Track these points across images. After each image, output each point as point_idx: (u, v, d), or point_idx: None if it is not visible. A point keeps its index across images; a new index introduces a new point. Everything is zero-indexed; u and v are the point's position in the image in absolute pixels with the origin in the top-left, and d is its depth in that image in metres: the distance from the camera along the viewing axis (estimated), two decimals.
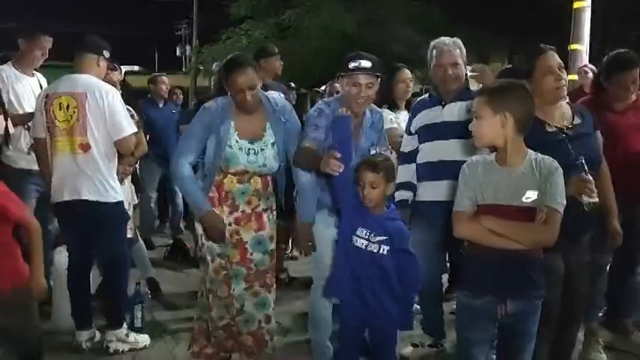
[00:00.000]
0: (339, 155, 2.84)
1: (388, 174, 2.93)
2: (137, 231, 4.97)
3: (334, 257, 3.14)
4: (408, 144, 3.81)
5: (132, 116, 4.02)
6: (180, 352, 3.88)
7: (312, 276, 3.54)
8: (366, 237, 2.89)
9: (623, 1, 11.46)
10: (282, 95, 5.10)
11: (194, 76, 22.14)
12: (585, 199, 2.68)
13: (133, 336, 3.94)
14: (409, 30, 13.51)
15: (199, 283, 3.55)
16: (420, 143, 3.72)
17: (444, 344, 3.86)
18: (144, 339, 3.98)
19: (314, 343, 3.56)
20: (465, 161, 2.65)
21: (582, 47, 7.64)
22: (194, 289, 4.35)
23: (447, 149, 3.54)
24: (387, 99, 4.40)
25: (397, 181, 3.72)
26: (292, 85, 7.37)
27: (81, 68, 3.85)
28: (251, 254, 3.34)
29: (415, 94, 5.14)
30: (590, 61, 7.21)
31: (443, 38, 3.70)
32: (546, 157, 2.53)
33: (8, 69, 4.30)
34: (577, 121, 2.97)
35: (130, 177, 4.58)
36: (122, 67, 5.03)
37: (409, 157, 3.77)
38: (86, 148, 3.72)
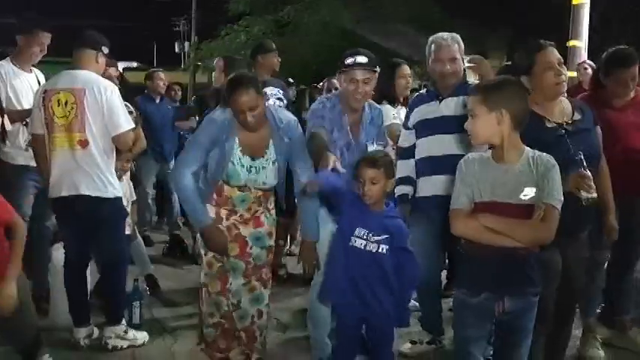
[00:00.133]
0: (337, 160, 2.92)
1: (388, 170, 2.93)
2: (135, 227, 4.97)
3: (328, 260, 3.10)
4: (406, 139, 3.81)
5: (130, 112, 4.01)
6: (179, 349, 3.88)
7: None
8: (365, 237, 2.87)
9: (624, 0, 11.45)
10: (280, 92, 5.18)
11: (193, 72, 22.11)
12: (584, 194, 2.68)
13: (131, 333, 3.93)
14: (408, 27, 13.50)
15: (199, 280, 3.54)
16: (417, 138, 3.72)
17: (443, 341, 3.86)
18: (142, 336, 3.97)
19: (313, 339, 3.57)
20: (462, 155, 2.65)
21: (581, 44, 7.63)
22: (193, 285, 4.35)
23: (444, 144, 3.54)
24: (387, 95, 4.40)
25: (397, 177, 3.75)
26: (291, 81, 7.37)
27: (79, 64, 3.84)
28: (250, 248, 3.34)
29: (414, 90, 5.14)
30: (589, 58, 7.21)
31: (441, 33, 3.70)
32: (543, 153, 2.52)
33: (6, 65, 4.28)
34: (577, 116, 2.97)
35: (128, 173, 4.59)
36: (121, 63, 5.03)
37: (408, 153, 3.77)
38: (85, 144, 3.71)
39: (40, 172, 3.98)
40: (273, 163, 3.29)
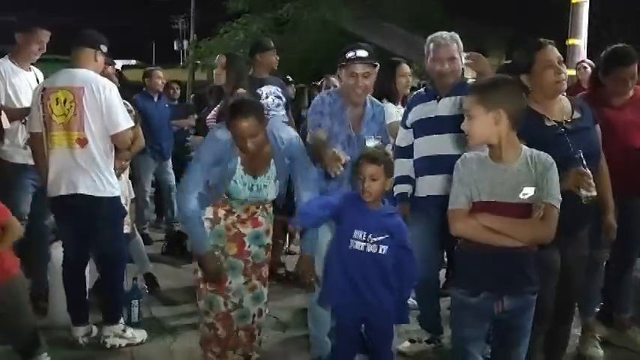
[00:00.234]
0: (346, 158, 2.94)
1: (388, 168, 2.93)
2: (134, 226, 4.96)
3: (327, 264, 3.08)
4: (403, 138, 3.81)
5: (129, 111, 4.00)
6: (177, 348, 3.88)
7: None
8: (364, 239, 2.87)
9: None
10: (279, 90, 5.17)
11: (192, 70, 22.12)
12: (583, 192, 2.68)
13: (130, 331, 3.93)
14: (407, 25, 13.48)
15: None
16: (415, 138, 3.72)
17: (442, 340, 3.86)
18: (141, 334, 3.97)
19: (312, 338, 3.56)
20: (460, 155, 2.63)
21: (580, 42, 7.63)
22: (192, 284, 4.33)
23: (443, 143, 3.54)
24: (388, 94, 4.39)
25: (395, 175, 3.75)
26: (290, 79, 7.36)
27: (78, 63, 3.83)
28: (248, 246, 3.33)
29: (413, 89, 5.13)
30: (588, 57, 7.20)
31: (440, 32, 3.70)
32: (541, 152, 2.52)
33: (5, 63, 4.27)
34: (576, 115, 2.96)
35: (127, 172, 4.58)
36: (120, 61, 5.04)
37: (405, 152, 3.77)
38: (83, 142, 3.71)
39: (39, 170, 3.97)
40: (275, 180, 3.28)
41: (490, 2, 12.86)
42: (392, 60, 4.73)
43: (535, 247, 2.54)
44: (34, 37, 4.29)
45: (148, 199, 7.07)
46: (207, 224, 3.23)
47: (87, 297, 4.01)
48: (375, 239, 2.86)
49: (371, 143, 3.41)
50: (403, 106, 4.27)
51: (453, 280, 2.64)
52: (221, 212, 3.27)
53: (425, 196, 3.64)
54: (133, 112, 4.17)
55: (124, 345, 3.87)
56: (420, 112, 3.69)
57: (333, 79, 5.68)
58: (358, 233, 2.88)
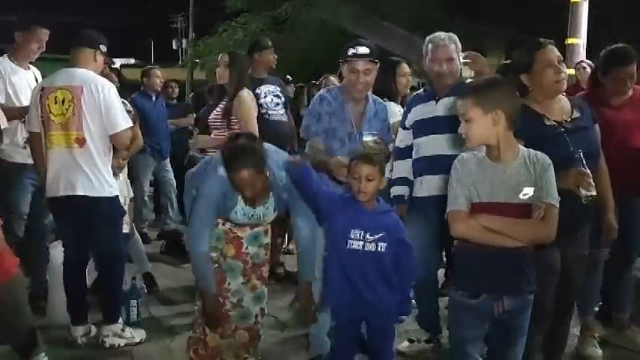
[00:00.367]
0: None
1: (383, 167, 2.93)
2: (133, 225, 4.95)
3: (326, 267, 3.07)
4: (403, 139, 3.81)
5: (129, 111, 4.00)
6: (176, 347, 3.87)
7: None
8: (361, 238, 2.86)
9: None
10: (278, 89, 5.17)
11: (190, 69, 22.08)
12: (583, 192, 2.68)
13: (129, 331, 3.93)
14: (407, 25, 13.45)
15: None
16: (414, 138, 3.72)
17: (440, 340, 3.86)
18: (140, 334, 3.97)
19: (312, 336, 3.57)
20: (459, 155, 2.62)
21: (580, 41, 7.63)
22: (190, 283, 4.34)
23: (441, 143, 3.54)
24: (389, 93, 4.39)
25: (393, 177, 3.75)
26: (289, 78, 7.36)
27: (77, 62, 3.83)
28: (246, 248, 3.33)
29: (412, 89, 5.13)
30: (587, 56, 7.20)
31: (438, 33, 3.70)
32: (538, 152, 2.51)
33: (4, 62, 4.26)
34: (576, 114, 2.97)
35: (125, 171, 4.57)
36: (118, 59, 5.04)
37: (405, 152, 3.77)
38: (82, 142, 3.70)
39: (38, 170, 3.97)
40: (274, 210, 3.28)
41: (490, 2, 12.84)
42: (392, 60, 4.73)
43: (532, 247, 2.54)
44: (34, 36, 4.28)
45: (146, 198, 7.06)
46: None
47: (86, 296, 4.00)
48: (372, 237, 2.86)
49: (368, 138, 3.44)
50: (402, 106, 4.27)
51: (451, 281, 2.62)
52: (220, 220, 3.27)
53: (424, 196, 3.64)
54: (132, 112, 4.17)
55: (122, 344, 3.87)
56: (419, 112, 3.69)
57: (333, 78, 5.68)
58: (355, 233, 2.87)
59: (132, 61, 23.41)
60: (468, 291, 2.55)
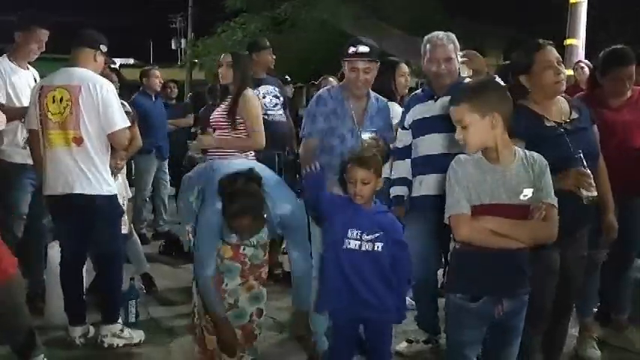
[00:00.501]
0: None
1: (378, 169, 2.92)
2: (132, 226, 4.95)
3: (323, 269, 3.06)
4: (401, 139, 3.81)
5: (127, 112, 3.99)
6: (175, 348, 3.87)
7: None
8: (358, 237, 2.86)
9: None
10: (276, 89, 5.17)
11: (189, 69, 22.08)
12: (584, 192, 2.68)
13: (127, 331, 3.92)
14: (407, 25, 13.44)
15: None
16: (413, 138, 3.73)
17: (439, 340, 3.85)
18: (138, 334, 3.96)
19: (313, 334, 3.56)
20: (458, 154, 2.61)
21: (578, 42, 7.63)
22: (189, 284, 4.32)
23: (440, 143, 3.54)
24: (388, 94, 4.39)
25: (393, 177, 3.75)
26: (288, 79, 7.36)
27: (77, 62, 3.84)
28: (243, 249, 3.32)
29: (411, 89, 5.13)
30: (586, 57, 7.20)
31: (437, 33, 3.70)
32: (534, 152, 2.51)
33: (4, 62, 4.26)
34: (574, 115, 2.97)
35: (124, 171, 4.57)
36: (117, 59, 5.03)
37: (404, 153, 3.77)
38: (80, 141, 3.70)
39: (37, 168, 3.96)
40: (268, 236, 3.31)
41: (490, 2, 12.84)
42: (391, 60, 4.74)
43: (528, 247, 2.53)
44: (33, 36, 4.28)
45: (147, 199, 7.06)
46: None
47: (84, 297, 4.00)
48: (369, 237, 2.86)
49: (366, 136, 3.46)
50: (401, 106, 4.27)
51: (448, 284, 2.60)
52: None
53: (423, 195, 3.64)
54: (131, 113, 4.16)
55: (121, 345, 3.86)
56: (417, 112, 3.70)
57: (332, 79, 5.68)
58: (352, 232, 2.88)
59: (131, 61, 23.35)
60: (469, 294, 2.53)
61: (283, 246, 5.94)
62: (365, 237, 2.87)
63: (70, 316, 3.88)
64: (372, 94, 3.75)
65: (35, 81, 4.31)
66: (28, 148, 4.08)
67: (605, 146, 3.22)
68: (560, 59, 2.97)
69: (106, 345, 3.83)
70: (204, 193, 3.20)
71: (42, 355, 3.27)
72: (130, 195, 4.76)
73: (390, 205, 3.58)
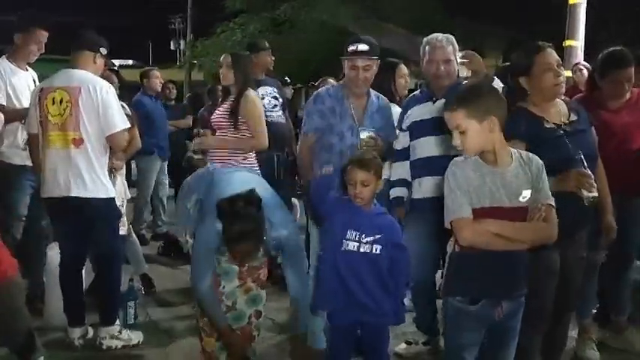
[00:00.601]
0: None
1: (378, 171, 2.92)
2: (131, 227, 4.94)
3: (320, 269, 3.05)
4: (400, 141, 3.81)
5: (127, 115, 3.99)
6: (173, 349, 3.87)
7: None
8: (357, 239, 2.86)
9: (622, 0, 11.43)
10: (276, 90, 5.16)
11: (188, 70, 22.08)
12: (585, 193, 2.68)
13: (126, 333, 3.92)
14: (407, 26, 13.44)
15: None
16: (411, 140, 3.73)
17: (438, 342, 3.85)
18: (137, 336, 3.96)
19: (309, 332, 3.55)
20: (457, 156, 2.60)
21: (577, 43, 7.62)
22: (188, 285, 4.33)
23: (439, 145, 3.54)
24: (387, 94, 4.39)
25: (392, 179, 3.75)
26: (287, 80, 7.36)
27: (77, 65, 3.84)
28: None
29: (409, 90, 5.13)
30: (585, 58, 7.20)
31: (436, 34, 3.71)
32: (529, 153, 2.52)
33: (3, 63, 4.26)
34: (573, 117, 2.97)
35: (123, 172, 4.56)
36: (116, 60, 5.03)
37: (403, 154, 3.77)
38: (79, 143, 3.70)
39: (36, 171, 3.96)
40: (262, 256, 3.32)
41: (490, 3, 12.85)
42: (391, 61, 4.73)
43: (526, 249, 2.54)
44: (33, 37, 4.28)
45: (148, 199, 7.05)
46: None
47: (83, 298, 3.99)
48: (367, 239, 2.86)
49: (364, 135, 3.47)
50: (400, 107, 4.27)
51: (446, 287, 2.59)
52: None
53: (422, 197, 3.64)
54: (131, 115, 4.16)
55: (119, 346, 3.86)
56: (416, 113, 3.70)
57: (331, 80, 5.68)
58: (351, 233, 2.88)
59: (130, 62, 23.39)
60: (468, 296, 2.52)
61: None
62: (364, 238, 2.86)
63: (69, 318, 3.88)
64: (373, 92, 3.77)
65: (34, 82, 4.31)
66: (27, 149, 4.08)
67: (603, 148, 3.22)
68: (560, 62, 2.97)
69: (104, 347, 3.83)
70: (203, 205, 3.20)
71: (41, 357, 3.27)
72: (129, 196, 4.75)
73: (390, 206, 3.58)
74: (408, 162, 3.74)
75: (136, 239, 5.03)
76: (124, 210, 4.35)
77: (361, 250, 2.87)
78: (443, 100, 3.57)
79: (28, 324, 3.27)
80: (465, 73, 3.61)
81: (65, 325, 3.89)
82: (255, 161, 4.17)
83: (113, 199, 3.90)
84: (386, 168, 3.50)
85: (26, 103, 4.10)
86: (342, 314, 2.95)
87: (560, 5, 8.30)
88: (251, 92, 4.19)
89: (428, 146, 3.61)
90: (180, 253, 6.05)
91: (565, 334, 3.26)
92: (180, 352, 3.81)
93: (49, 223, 4.20)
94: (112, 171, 4.05)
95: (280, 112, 5.16)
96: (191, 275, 3.20)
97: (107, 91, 3.75)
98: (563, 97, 3.08)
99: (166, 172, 7.14)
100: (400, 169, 3.75)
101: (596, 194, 2.69)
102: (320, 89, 3.89)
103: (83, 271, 3.98)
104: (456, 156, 2.57)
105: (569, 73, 6.28)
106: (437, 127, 3.55)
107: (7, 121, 4.09)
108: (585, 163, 2.71)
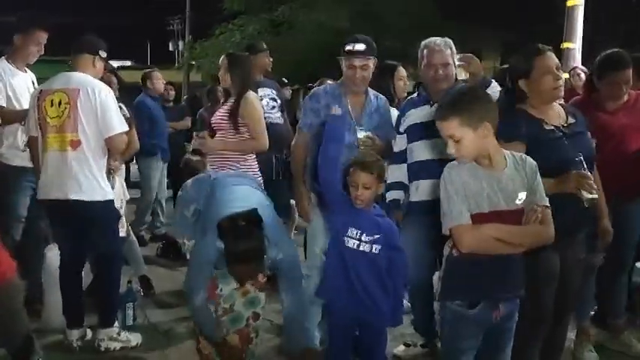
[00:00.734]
0: None
1: (381, 175, 2.93)
2: (129, 228, 4.94)
3: (327, 258, 3.10)
4: (397, 143, 3.82)
5: (125, 116, 3.99)
6: (172, 351, 3.87)
7: (306, 265, 3.59)
8: (357, 237, 2.88)
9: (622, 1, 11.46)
10: (274, 92, 5.17)
11: (187, 71, 22.09)
12: (585, 194, 2.68)
13: (124, 334, 3.92)
14: (403, 25, 13.45)
15: None
16: (409, 142, 3.73)
17: (436, 344, 3.85)
18: (136, 337, 3.96)
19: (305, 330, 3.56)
20: (454, 159, 2.59)
21: (575, 45, 7.64)
22: None
23: (436, 148, 3.54)
24: (385, 96, 4.39)
25: (389, 181, 3.76)
26: (285, 81, 7.36)
27: (77, 68, 3.85)
28: None
29: (408, 93, 5.14)
30: (583, 60, 7.22)
31: (434, 38, 3.71)
32: (522, 155, 2.53)
33: (2, 63, 4.25)
34: (571, 120, 2.98)
35: (123, 173, 4.56)
36: (115, 62, 5.03)
37: (400, 157, 3.78)
38: (77, 144, 3.70)
39: (36, 173, 3.96)
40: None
41: (489, 5, 12.87)
42: (389, 64, 4.73)
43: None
44: (32, 38, 4.28)
45: (152, 201, 7.04)
46: None
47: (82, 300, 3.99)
48: (367, 238, 2.88)
49: (361, 134, 3.48)
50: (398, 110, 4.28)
51: (443, 291, 2.58)
52: None
53: (419, 200, 3.64)
54: (128, 116, 4.16)
55: (118, 348, 3.86)
56: (413, 116, 3.70)
57: (329, 81, 5.68)
58: (352, 231, 2.90)
59: (128, 63, 23.38)
60: (467, 299, 2.52)
61: None
62: (364, 238, 2.89)
63: (68, 319, 3.88)
64: (372, 91, 3.80)
65: (33, 84, 4.31)
66: (27, 150, 4.08)
67: (601, 150, 3.23)
68: (559, 65, 2.98)
69: (103, 348, 3.83)
70: (202, 217, 3.20)
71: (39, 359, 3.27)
72: (128, 197, 4.74)
73: (387, 208, 3.58)
74: (405, 165, 3.74)
75: (135, 240, 5.02)
76: (122, 211, 4.35)
77: (361, 248, 2.89)
78: None
79: (26, 326, 3.27)
80: (463, 75, 3.62)
81: (64, 326, 3.89)
82: (255, 163, 4.18)
83: (111, 201, 3.89)
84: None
85: (26, 105, 4.10)
86: (342, 312, 2.96)
87: (559, 6, 8.32)
88: (251, 94, 4.19)
89: (425, 149, 3.61)
90: (179, 255, 6.05)
91: (564, 336, 3.27)
92: (178, 354, 3.81)
93: (49, 224, 4.21)
94: (110, 172, 4.05)
95: (279, 114, 5.16)
96: (186, 286, 3.21)
97: (106, 94, 3.76)
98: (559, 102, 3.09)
99: (165, 175, 7.13)
100: (397, 172, 3.75)
101: (595, 195, 2.70)
102: (316, 88, 3.90)
103: (82, 273, 3.98)
104: (453, 160, 2.57)
105: (566, 75, 6.29)
106: (434, 130, 3.55)
107: (6, 123, 4.10)
108: (585, 165, 2.72)
